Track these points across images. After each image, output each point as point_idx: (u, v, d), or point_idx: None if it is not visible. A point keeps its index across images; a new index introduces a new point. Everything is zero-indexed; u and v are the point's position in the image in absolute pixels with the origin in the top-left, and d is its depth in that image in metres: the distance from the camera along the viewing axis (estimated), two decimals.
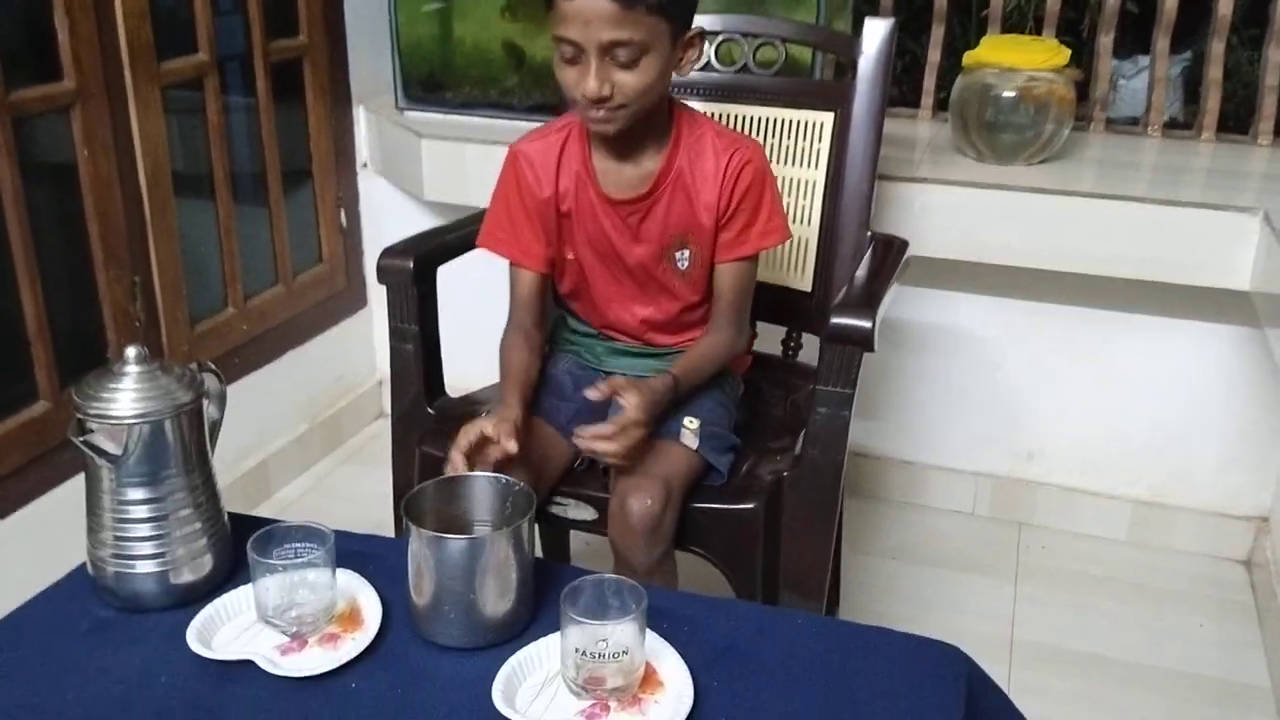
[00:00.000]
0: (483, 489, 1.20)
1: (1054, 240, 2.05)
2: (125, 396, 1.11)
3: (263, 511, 2.38)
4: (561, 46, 1.34)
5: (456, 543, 1.08)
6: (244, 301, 2.32)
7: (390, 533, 1.64)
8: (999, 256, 2.12)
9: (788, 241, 1.56)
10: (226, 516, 1.23)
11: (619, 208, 1.49)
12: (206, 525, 1.18)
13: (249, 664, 1.07)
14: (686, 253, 1.50)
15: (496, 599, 1.09)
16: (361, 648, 1.10)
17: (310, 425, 2.59)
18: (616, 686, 1.04)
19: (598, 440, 1.33)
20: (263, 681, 1.06)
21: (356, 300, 2.71)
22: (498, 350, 1.53)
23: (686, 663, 1.08)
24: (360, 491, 2.38)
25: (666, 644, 1.10)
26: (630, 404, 1.33)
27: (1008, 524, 2.43)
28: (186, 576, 1.17)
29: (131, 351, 1.14)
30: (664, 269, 1.52)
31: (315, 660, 1.09)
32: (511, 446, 1.24)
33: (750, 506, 1.43)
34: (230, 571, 1.21)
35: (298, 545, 1.16)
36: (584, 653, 1.02)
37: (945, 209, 2.08)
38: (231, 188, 2.25)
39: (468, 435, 1.31)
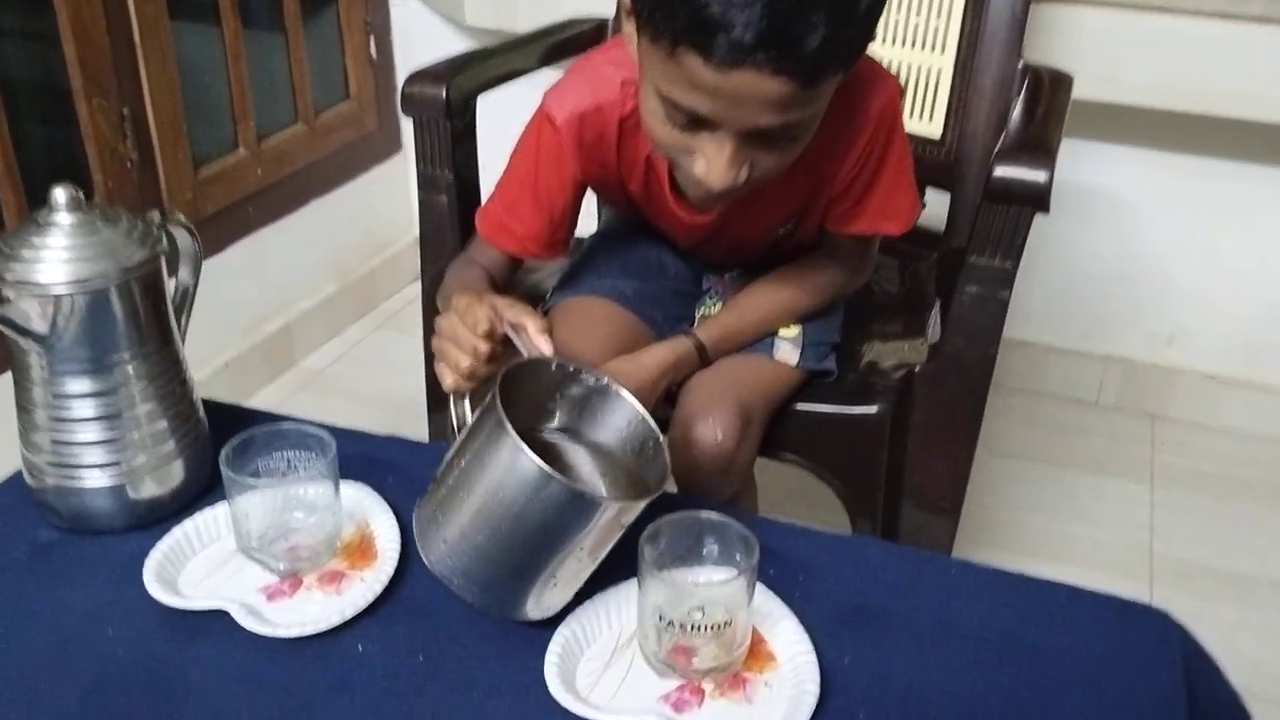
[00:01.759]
0: (587, 397, 0.85)
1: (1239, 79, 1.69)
2: (54, 256, 0.84)
3: (287, 381, 2.14)
4: (672, 109, 0.88)
5: (583, 500, 0.74)
6: (258, 142, 2.02)
7: (422, 420, 1.38)
8: (1159, 99, 1.76)
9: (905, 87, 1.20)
10: (203, 413, 0.97)
11: (702, 224, 1.11)
12: (175, 425, 0.92)
13: (224, 615, 0.81)
14: (790, 225, 1.16)
15: (576, 572, 0.80)
16: (374, 594, 0.84)
17: (340, 286, 2.32)
18: (713, 666, 0.77)
19: None
20: (240, 641, 0.80)
21: (390, 144, 2.40)
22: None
23: (806, 628, 0.81)
24: (398, 360, 2.12)
25: (780, 602, 0.83)
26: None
27: (1139, 416, 2.12)
28: (150, 491, 0.91)
29: (61, 194, 0.85)
30: (763, 246, 1.19)
31: (311, 611, 0.83)
32: (547, 348, 0.85)
33: (873, 411, 1.14)
34: (209, 484, 0.95)
35: (290, 454, 0.89)
36: (669, 621, 0.75)
37: (1097, 36, 1.72)
38: (239, 7, 1.92)
39: (532, 316, 0.88)
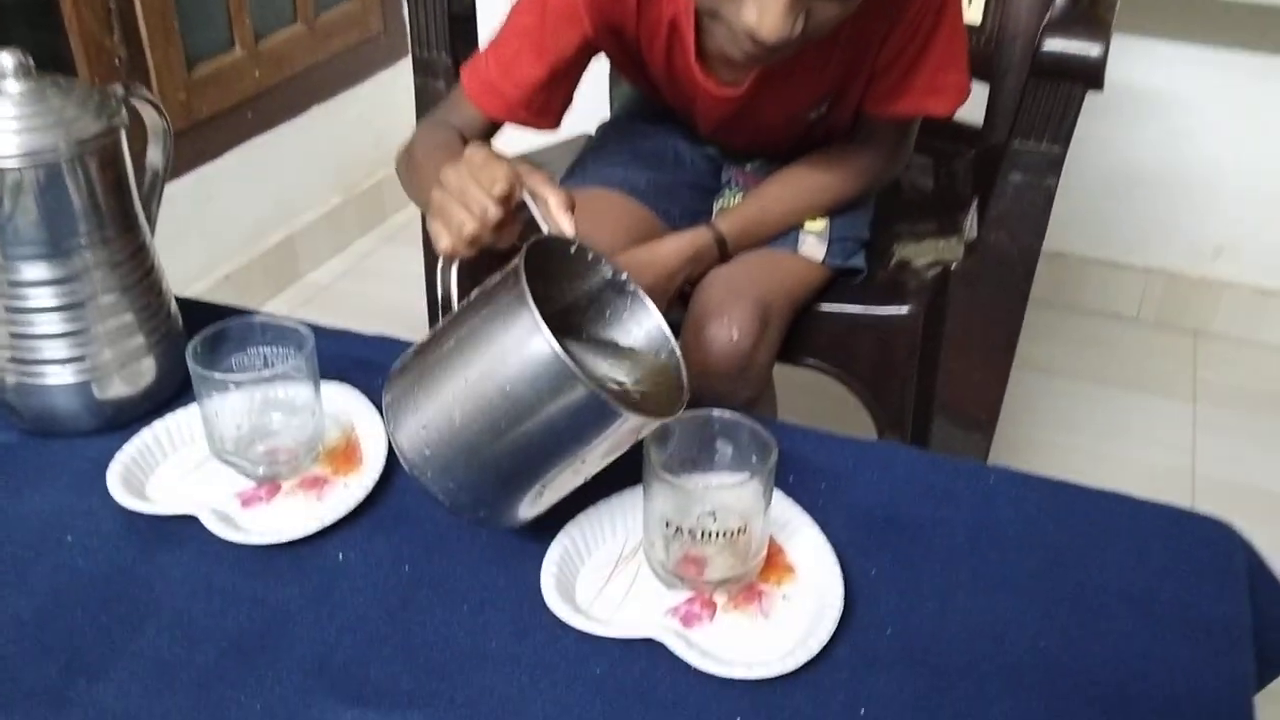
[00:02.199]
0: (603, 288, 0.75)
1: None
2: (0, 127, 0.76)
3: (290, 297, 2.07)
4: None
5: (604, 408, 0.63)
6: (255, 42, 1.93)
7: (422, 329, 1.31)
8: None
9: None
10: (175, 308, 0.89)
11: (730, 97, 1.01)
12: (143, 319, 0.85)
13: (193, 522, 0.75)
14: (823, 107, 1.05)
15: (568, 482, 0.71)
16: (357, 499, 0.77)
17: (345, 198, 2.24)
18: (726, 577, 0.70)
19: None
20: (210, 549, 0.74)
21: (397, 47, 2.30)
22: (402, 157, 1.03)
23: (829, 539, 0.73)
24: (407, 275, 2.04)
25: (800, 510, 0.76)
26: None
27: (1181, 332, 2.03)
28: (117, 390, 0.85)
29: (7, 59, 0.77)
30: (791, 131, 1.08)
31: (289, 518, 0.77)
32: (569, 226, 0.74)
33: (905, 311, 1.06)
34: (183, 384, 0.88)
35: (267, 350, 0.82)
36: (677, 528, 0.68)
37: None
38: None
39: (556, 188, 0.75)
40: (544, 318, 0.61)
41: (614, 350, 0.73)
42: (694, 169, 1.12)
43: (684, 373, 0.71)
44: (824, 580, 0.71)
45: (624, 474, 0.74)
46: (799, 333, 1.05)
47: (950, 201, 1.26)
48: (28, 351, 0.82)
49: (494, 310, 0.65)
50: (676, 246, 0.99)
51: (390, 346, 0.95)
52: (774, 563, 0.73)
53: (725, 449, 0.72)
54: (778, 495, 0.75)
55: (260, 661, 0.67)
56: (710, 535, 0.67)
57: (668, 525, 0.68)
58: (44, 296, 0.80)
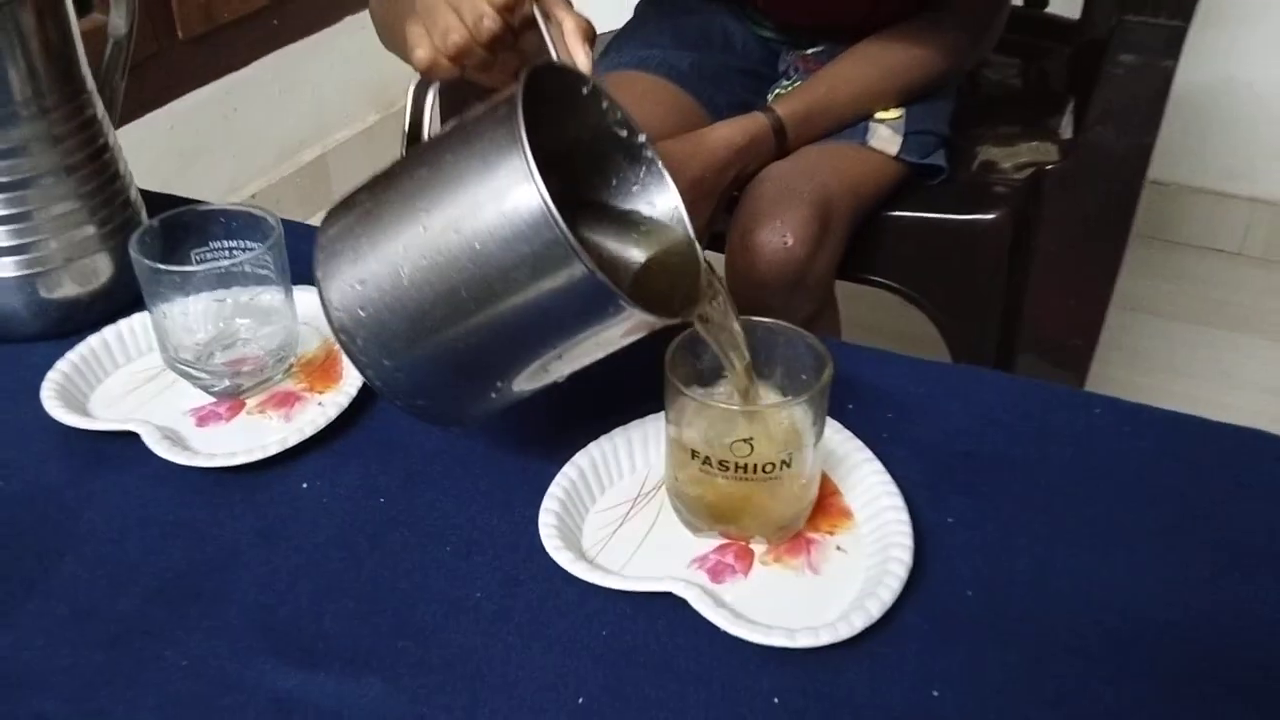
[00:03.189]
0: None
1: None
2: None
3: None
4: None
5: (602, 293, 0.49)
6: None
7: None
8: None
9: None
10: (137, 196, 0.77)
11: None
12: (96, 207, 0.73)
13: (138, 441, 0.63)
14: None
15: (532, 380, 0.56)
16: (328, 418, 0.65)
17: (383, 115, 2.12)
18: (767, 521, 0.57)
19: None
20: (154, 472, 0.62)
21: None
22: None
23: (896, 479, 0.60)
24: None
25: (860, 444, 0.62)
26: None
27: None
28: (66, 289, 0.73)
29: None
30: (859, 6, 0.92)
31: (248, 438, 0.64)
32: (584, 58, 0.58)
33: (991, 218, 0.90)
34: None
35: (231, 245, 0.70)
36: (707, 459, 0.55)
37: None
38: None
39: (572, 11, 0.62)
40: (538, 166, 0.47)
41: (620, 221, 0.59)
42: (746, 53, 0.97)
43: (701, 263, 0.57)
44: (888, 529, 0.57)
45: (646, 397, 0.61)
46: (865, 243, 0.91)
47: (1042, 102, 1.10)
48: None
49: (474, 145, 0.50)
50: (726, 135, 0.85)
51: None
52: (827, 507, 0.60)
53: (769, 365, 0.59)
54: (833, 425, 0.62)
55: (193, 609, 0.55)
56: (748, 469, 0.54)
57: (694, 456, 0.55)
58: None
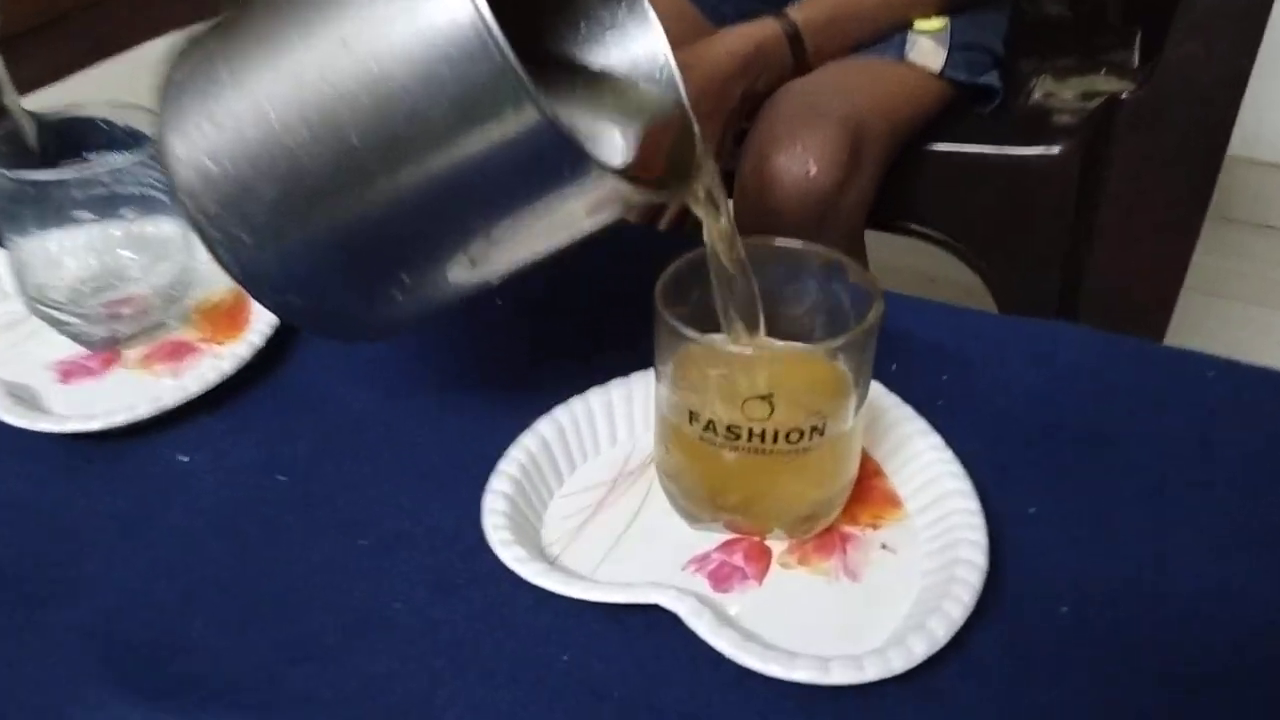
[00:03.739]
0: None
1: None
2: None
3: None
4: None
5: (563, 149, 0.34)
6: None
7: None
8: None
9: None
10: (14, 97, 0.63)
11: None
12: None
13: None
14: None
15: (447, 274, 0.40)
16: (223, 373, 0.51)
17: None
18: (789, 509, 0.42)
19: None
20: None
21: None
22: None
23: (959, 458, 0.45)
24: None
25: (911, 412, 0.48)
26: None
27: None
28: None
29: None
30: None
31: (120, 398, 0.50)
32: None
33: (1055, 152, 0.76)
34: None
35: (116, 159, 0.55)
36: (709, 423, 0.40)
37: None
38: None
39: None
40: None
41: (590, 79, 0.44)
42: None
43: (695, 132, 0.42)
44: (952, 523, 0.43)
45: (633, 348, 0.46)
46: (901, 181, 0.76)
47: (1100, 35, 0.95)
48: None
49: None
50: (730, 43, 0.71)
51: None
52: (868, 492, 0.45)
53: (792, 301, 0.44)
54: (877, 389, 0.47)
55: (19, 616, 0.41)
56: (765, 439, 0.40)
57: (693, 420, 0.41)
58: None
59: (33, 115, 0.54)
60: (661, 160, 0.41)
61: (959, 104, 0.79)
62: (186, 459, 0.48)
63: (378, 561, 0.43)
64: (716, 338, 0.42)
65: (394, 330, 0.45)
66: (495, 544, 0.41)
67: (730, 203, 0.40)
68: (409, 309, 0.41)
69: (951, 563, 0.41)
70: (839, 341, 0.40)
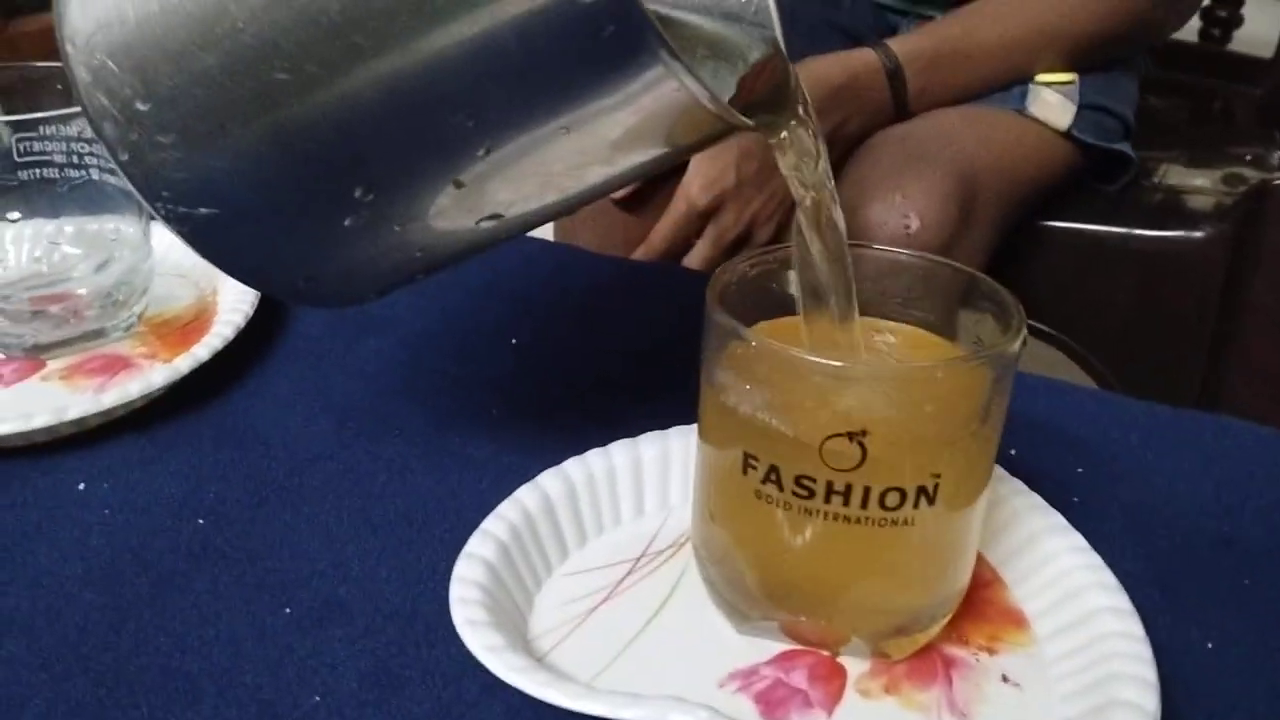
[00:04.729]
0: None
1: None
2: None
3: None
4: None
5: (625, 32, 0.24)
6: None
7: None
8: None
9: None
10: None
11: None
12: None
13: None
14: None
15: (443, 206, 0.29)
16: (150, 388, 0.41)
17: None
18: (874, 609, 0.31)
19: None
20: None
21: None
22: None
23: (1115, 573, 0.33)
24: None
25: (1045, 508, 0.36)
26: (680, 191, 0.62)
27: None
28: None
29: None
30: None
31: (19, 407, 0.40)
32: None
33: (1198, 237, 0.65)
34: None
35: (82, 149, 0.47)
36: (773, 471, 0.29)
37: None
38: None
39: None
40: None
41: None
42: (855, 11, 0.74)
43: (791, 73, 0.32)
44: (1105, 651, 0.31)
45: (673, 403, 0.35)
46: (1010, 261, 0.65)
47: (1233, 134, 0.85)
48: None
49: None
50: (820, 69, 0.61)
51: None
52: (983, 603, 0.33)
53: (898, 317, 0.33)
54: (999, 474, 0.36)
55: None
56: (851, 497, 0.28)
57: (750, 466, 0.29)
58: None
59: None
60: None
61: (1081, 177, 0.69)
62: (83, 486, 0.37)
63: (300, 637, 0.32)
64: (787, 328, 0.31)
65: (348, 291, 0.33)
66: (460, 624, 0.30)
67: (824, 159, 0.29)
68: (366, 249, 0.30)
69: (1105, 707, 0.29)
70: (975, 360, 0.28)
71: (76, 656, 0.31)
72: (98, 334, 0.46)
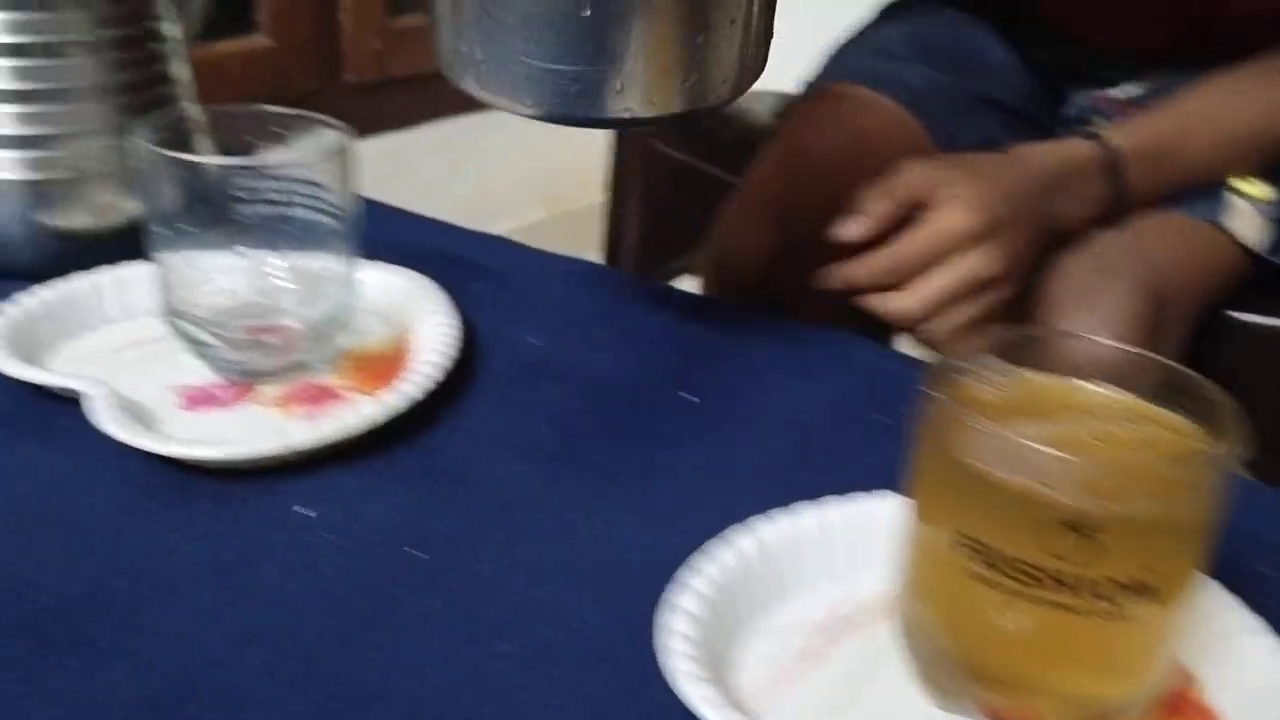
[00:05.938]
0: None
1: None
2: None
3: None
4: None
5: None
6: None
7: None
8: None
9: None
10: (189, 86, 0.60)
11: None
12: (125, 99, 0.55)
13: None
14: None
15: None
16: (366, 423, 0.43)
17: (548, 214, 1.98)
18: (1071, 693, 0.32)
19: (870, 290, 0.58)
20: (91, 449, 0.42)
21: None
22: None
23: None
24: None
25: (1233, 600, 0.36)
26: (944, 209, 0.57)
27: None
28: (78, 219, 0.55)
29: None
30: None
31: (241, 433, 0.43)
32: None
33: None
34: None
35: (297, 190, 0.50)
36: (980, 547, 0.30)
37: None
38: None
39: None
40: None
41: None
42: (1006, 82, 0.75)
43: None
44: None
45: (867, 467, 0.37)
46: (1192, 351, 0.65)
47: None
48: None
49: None
50: (1033, 156, 0.62)
51: (496, 246, 0.63)
52: (1177, 702, 0.34)
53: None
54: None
55: (70, 661, 0.33)
56: (1079, 588, 0.29)
57: (976, 552, 0.31)
58: None
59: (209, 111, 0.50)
60: None
61: (1258, 277, 0.68)
62: (308, 513, 0.40)
63: (515, 674, 0.34)
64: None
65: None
66: (678, 676, 0.32)
67: None
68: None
69: None
70: (1221, 455, 0.30)
71: (310, 673, 0.33)
72: (303, 365, 0.49)
